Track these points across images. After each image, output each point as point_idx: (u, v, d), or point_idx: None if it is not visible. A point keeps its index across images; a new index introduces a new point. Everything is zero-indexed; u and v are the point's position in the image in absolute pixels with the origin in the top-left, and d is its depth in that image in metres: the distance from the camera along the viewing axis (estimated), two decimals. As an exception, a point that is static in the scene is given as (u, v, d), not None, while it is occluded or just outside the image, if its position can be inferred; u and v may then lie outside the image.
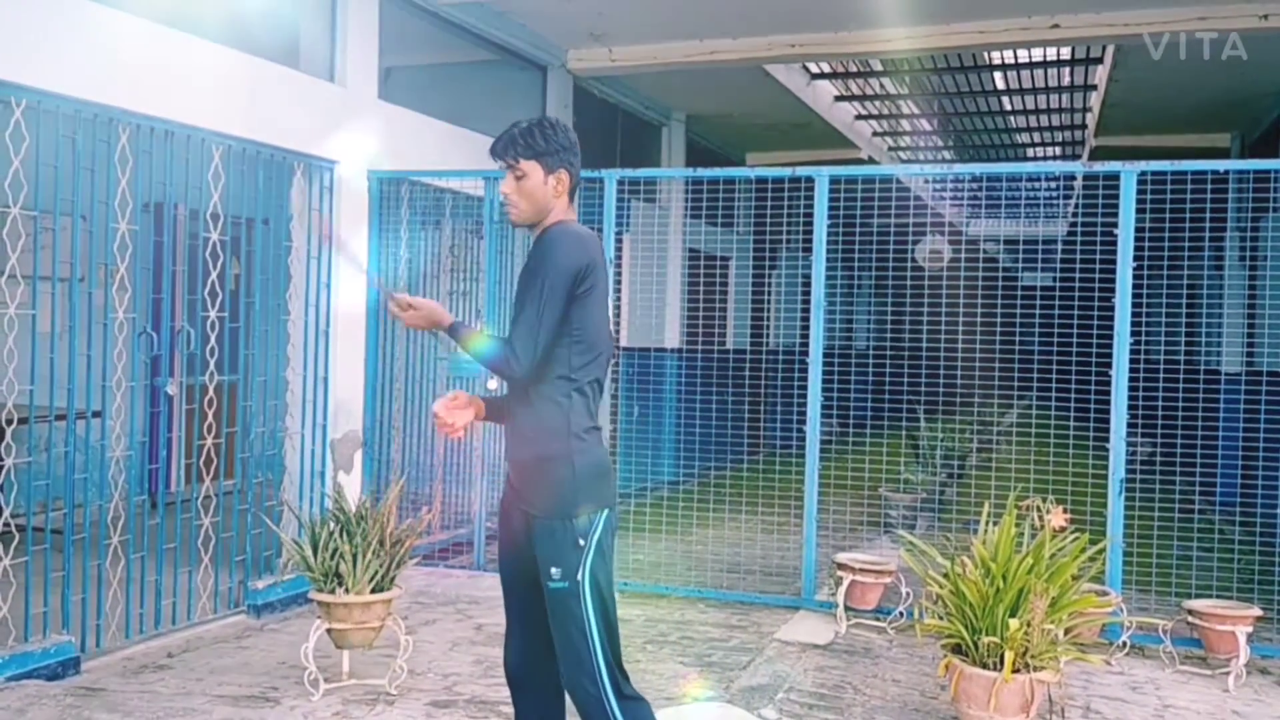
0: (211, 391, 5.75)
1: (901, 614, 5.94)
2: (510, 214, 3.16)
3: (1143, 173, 5.80)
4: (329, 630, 4.69)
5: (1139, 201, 5.79)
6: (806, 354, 6.40)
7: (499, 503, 3.21)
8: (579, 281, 2.99)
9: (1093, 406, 6.06)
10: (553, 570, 3.00)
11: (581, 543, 3.00)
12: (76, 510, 5.01)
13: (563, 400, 3.04)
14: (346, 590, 4.63)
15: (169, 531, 5.62)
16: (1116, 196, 5.82)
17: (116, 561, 5.27)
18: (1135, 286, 5.81)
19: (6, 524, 4.70)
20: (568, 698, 3.12)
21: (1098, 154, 12.64)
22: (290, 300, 6.47)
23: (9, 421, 4.72)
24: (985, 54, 10.41)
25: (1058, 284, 6.83)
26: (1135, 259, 5.80)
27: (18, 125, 4.63)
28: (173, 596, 5.61)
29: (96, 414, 5.30)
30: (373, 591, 4.67)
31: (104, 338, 5.17)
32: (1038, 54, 10.43)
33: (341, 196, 6.65)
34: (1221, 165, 5.98)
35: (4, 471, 4.71)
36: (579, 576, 2.99)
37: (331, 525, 4.76)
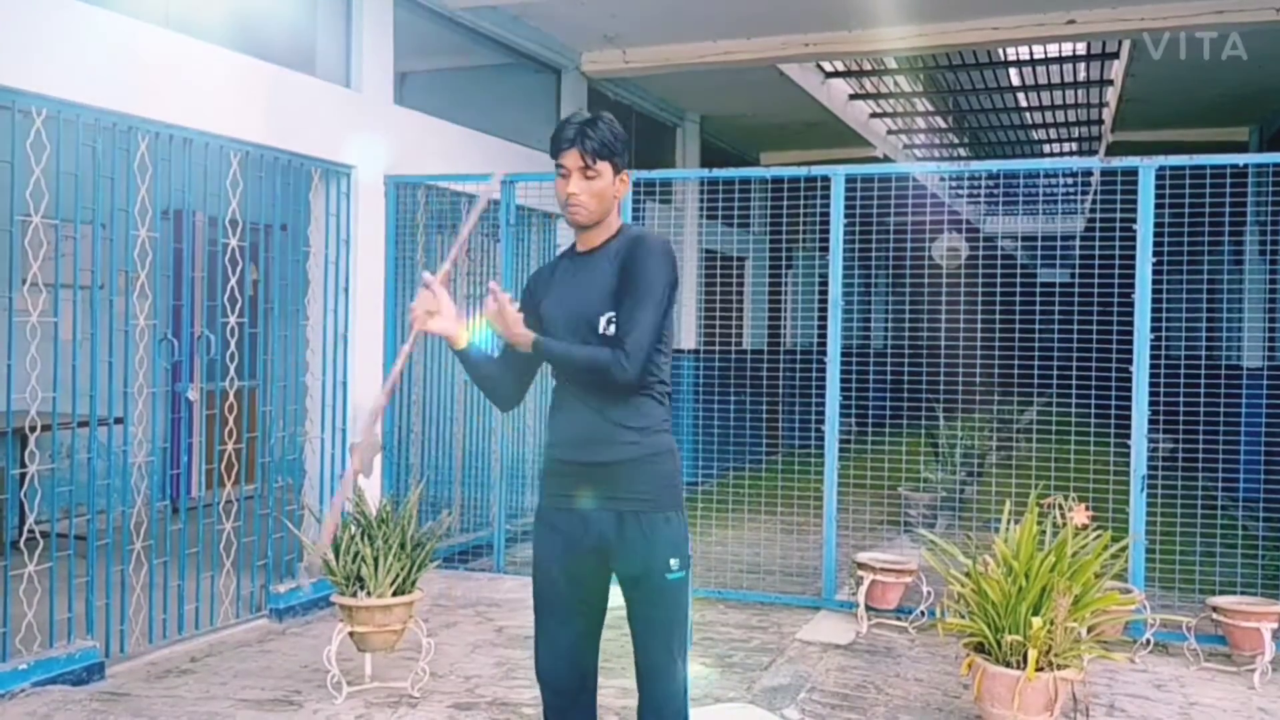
0: (232, 397, 5.78)
1: (923, 613, 5.92)
2: (576, 215, 2.98)
3: (1161, 168, 5.76)
4: (351, 633, 4.71)
5: (1158, 196, 5.75)
6: (824, 353, 6.39)
7: (543, 510, 3.11)
8: (675, 290, 2.97)
9: (1113, 403, 6.02)
10: (671, 561, 3.01)
11: (688, 533, 3.09)
12: (99, 516, 5.05)
13: (661, 399, 3.05)
14: (368, 593, 4.65)
15: (191, 537, 5.65)
16: (1135, 192, 5.79)
17: (139, 567, 5.30)
18: (1155, 282, 5.77)
19: (30, 531, 4.74)
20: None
21: (1115, 149, 12.57)
22: (309, 305, 6.50)
23: (32, 429, 4.76)
24: (1000, 50, 10.37)
25: (1076, 281, 6.80)
26: (1154, 254, 5.76)
27: (38, 134, 4.66)
28: (195, 601, 5.64)
29: (118, 420, 5.35)
30: (394, 594, 4.69)
31: (125, 344, 5.20)
32: (1053, 50, 10.37)
33: (358, 201, 6.69)
34: (1240, 159, 5.92)
35: (28, 479, 4.75)
36: (690, 566, 3.07)
37: (352, 529, 4.78)
